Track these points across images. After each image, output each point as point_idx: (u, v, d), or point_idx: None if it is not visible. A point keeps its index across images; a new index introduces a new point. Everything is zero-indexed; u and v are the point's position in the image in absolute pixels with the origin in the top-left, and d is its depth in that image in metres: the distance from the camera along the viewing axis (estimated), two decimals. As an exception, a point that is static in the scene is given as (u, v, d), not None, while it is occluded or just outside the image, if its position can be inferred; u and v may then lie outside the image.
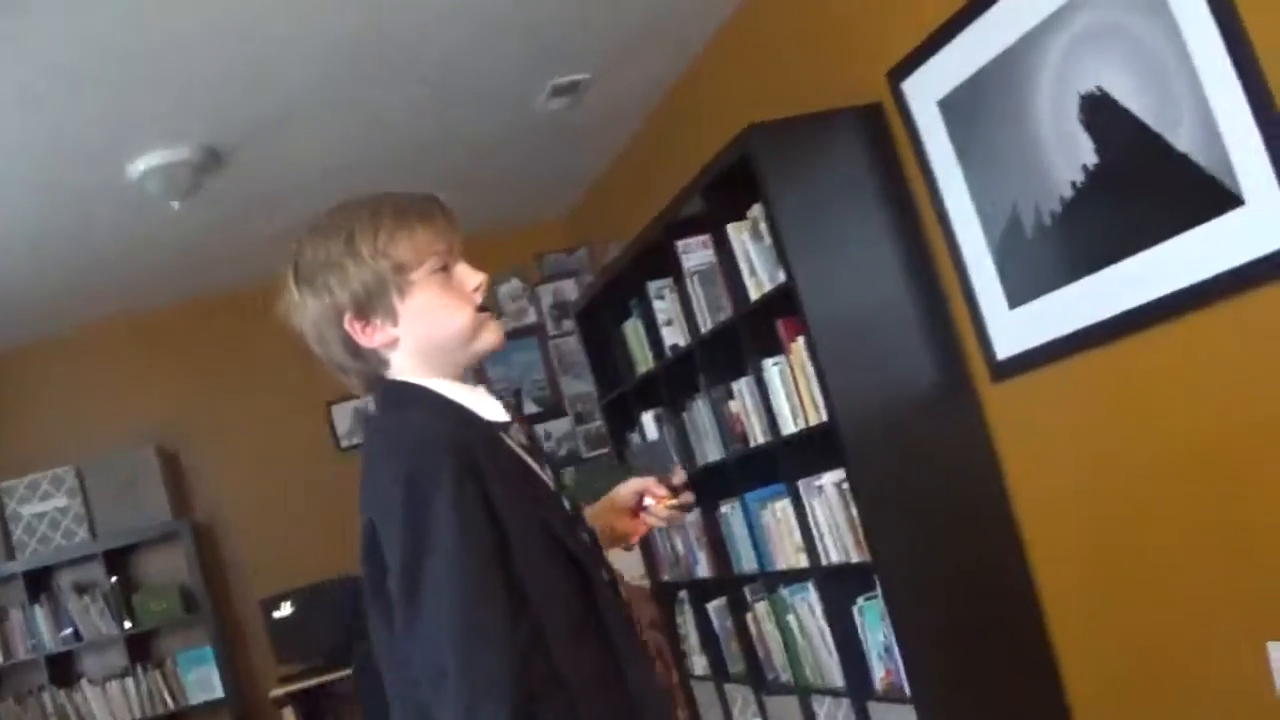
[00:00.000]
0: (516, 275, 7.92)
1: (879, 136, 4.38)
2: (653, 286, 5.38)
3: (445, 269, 1.99)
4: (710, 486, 5.24)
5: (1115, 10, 3.38)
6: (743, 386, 4.82)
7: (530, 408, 7.84)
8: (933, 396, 4.25)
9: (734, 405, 4.93)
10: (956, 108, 4.03)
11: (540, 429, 7.76)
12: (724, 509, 5.28)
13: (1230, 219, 3.19)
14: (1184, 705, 3.70)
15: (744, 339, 4.65)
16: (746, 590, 5.26)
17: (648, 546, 6.08)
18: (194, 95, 4.73)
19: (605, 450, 7.26)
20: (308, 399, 7.41)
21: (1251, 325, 3.23)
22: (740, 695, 5.50)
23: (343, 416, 7.66)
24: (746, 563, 5.17)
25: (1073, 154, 3.63)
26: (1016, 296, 3.98)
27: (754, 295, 4.54)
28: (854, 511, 4.24)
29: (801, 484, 4.51)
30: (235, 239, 6.47)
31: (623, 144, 6.65)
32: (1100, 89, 3.49)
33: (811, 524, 4.49)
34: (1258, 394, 3.27)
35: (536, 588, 1.86)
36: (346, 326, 1.96)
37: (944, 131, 4.09)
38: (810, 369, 4.24)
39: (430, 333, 1.98)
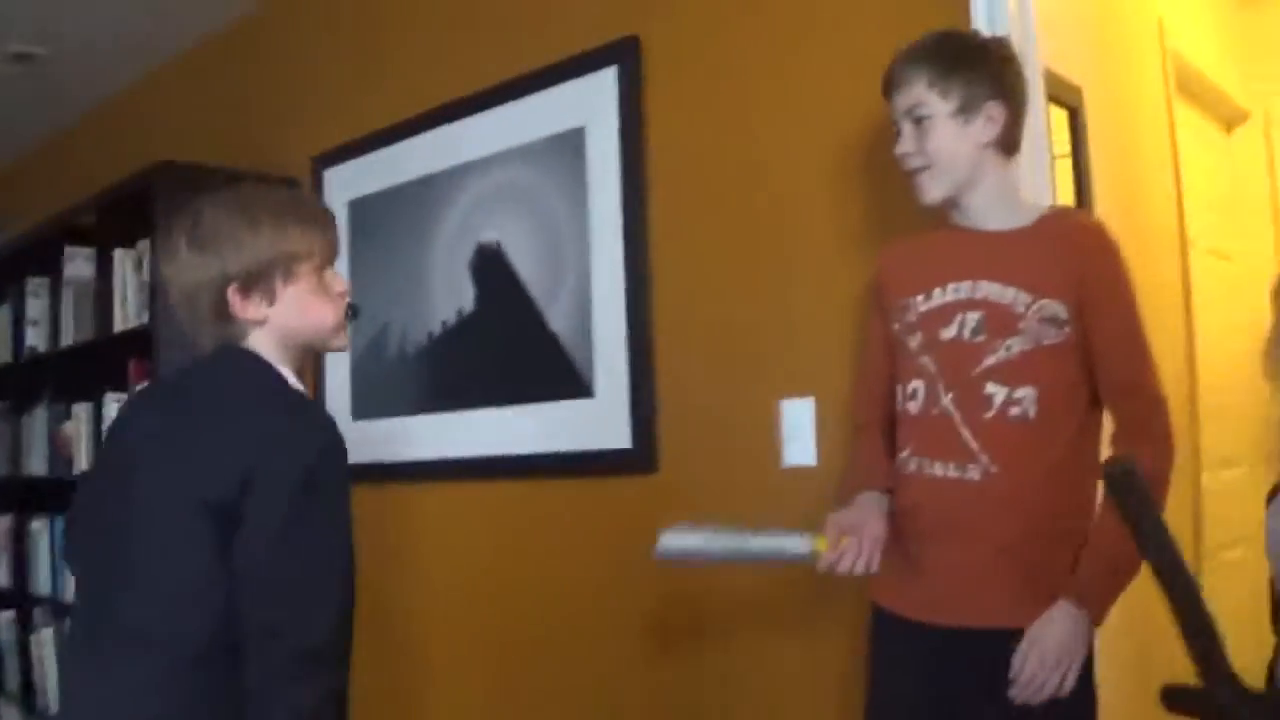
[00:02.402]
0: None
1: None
2: (32, 282, 4.50)
3: (321, 269, 1.94)
4: (28, 500, 4.57)
5: (540, 177, 3.03)
6: (82, 412, 4.10)
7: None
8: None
9: (69, 427, 4.17)
10: (365, 212, 3.58)
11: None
12: (35, 525, 4.48)
13: (577, 406, 2.91)
14: None
15: (98, 366, 3.96)
16: (36, 612, 4.49)
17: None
18: None
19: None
20: None
21: (570, 504, 2.97)
22: (8, 714, 4.64)
23: None
24: (43, 585, 4.43)
25: (454, 295, 3.26)
26: (362, 410, 3.53)
27: (118, 326, 3.89)
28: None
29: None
30: None
31: (55, 130, 5.63)
32: (499, 244, 3.13)
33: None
34: (558, 572, 3.01)
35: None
36: (229, 294, 1.86)
37: (346, 230, 3.58)
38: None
39: (299, 320, 1.91)
